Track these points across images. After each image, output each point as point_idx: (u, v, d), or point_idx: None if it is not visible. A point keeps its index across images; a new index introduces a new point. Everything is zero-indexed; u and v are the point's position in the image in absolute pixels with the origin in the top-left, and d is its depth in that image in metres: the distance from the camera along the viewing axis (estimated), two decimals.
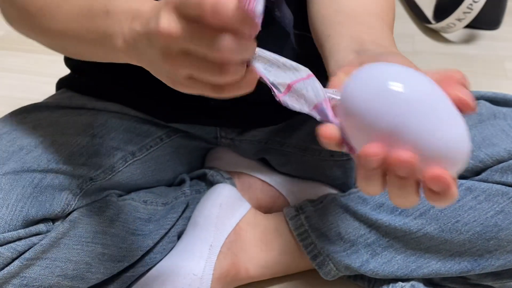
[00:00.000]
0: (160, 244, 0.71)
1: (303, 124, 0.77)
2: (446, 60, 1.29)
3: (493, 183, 0.64)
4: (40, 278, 0.58)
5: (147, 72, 0.70)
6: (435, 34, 1.39)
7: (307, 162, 0.77)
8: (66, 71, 0.79)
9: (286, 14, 0.66)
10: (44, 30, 0.55)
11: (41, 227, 0.58)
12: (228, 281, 0.71)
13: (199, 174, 0.80)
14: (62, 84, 0.78)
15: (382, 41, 0.51)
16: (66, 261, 0.60)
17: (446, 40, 1.37)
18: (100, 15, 0.47)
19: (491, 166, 0.64)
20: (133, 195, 0.70)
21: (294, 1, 0.65)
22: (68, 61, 0.79)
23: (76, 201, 0.62)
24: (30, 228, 0.57)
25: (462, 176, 0.67)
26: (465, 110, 0.35)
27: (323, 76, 0.68)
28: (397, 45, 1.24)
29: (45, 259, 0.58)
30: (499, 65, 1.26)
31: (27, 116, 0.69)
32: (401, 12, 1.50)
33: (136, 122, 0.73)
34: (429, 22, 1.41)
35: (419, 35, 1.40)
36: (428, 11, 1.48)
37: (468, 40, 1.37)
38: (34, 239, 0.57)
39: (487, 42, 1.36)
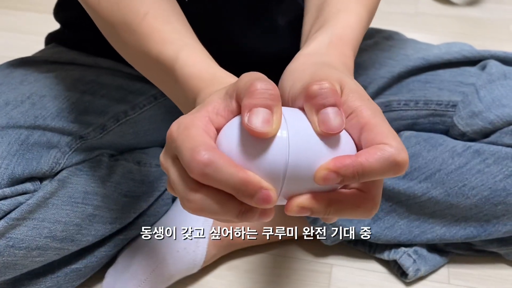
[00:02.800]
0: (154, 206, 0.68)
1: None
2: (449, 23, 1.25)
3: (503, 145, 0.61)
4: (27, 239, 0.55)
5: None
6: None
7: None
8: (52, 28, 0.75)
9: None
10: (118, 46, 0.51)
11: (28, 186, 0.55)
12: (224, 245, 0.68)
13: None
14: (51, 38, 0.74)
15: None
16: (55, 222, 0.57)
17: (450, 3, 1.33)
18: (170, 82, 0.45)
19: (501, 128, 0.62)
20: (126, 155, 0.67)
21: None
22: (58, 15, 0.75)
23: (65, 160, 0.58)
24: (16, 186, 0.54)
25: (470, 139, 0.64)
26: (328, 137, 0.33)
27: None
28: (400, 7, 1.19)
29: (32, 219, 0.55)
30: (504, 28, 1.23)
31: (13, 71, 0.65)
32: None
33: (129, 79, 0.70)
34: None
35: None
36: None
37: (472, 2, 1.33)
38: (20, 198, 0.54)
39: (492, 5, 1.32)
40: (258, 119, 0.32)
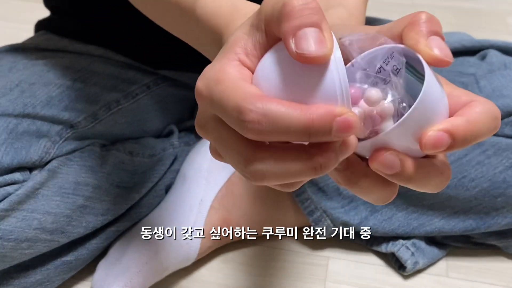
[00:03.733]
0: (147, 198, 0.67)
1: None
2: (446, 14, 1.24)
3: (503, 136, 0.60)
4: (16, 230, 0.53)
5: (134, 14, 0.65)
6: None
7: None
8: (44, 15, 0.74)
9: None
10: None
11: (17, 176, 0.53)
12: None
13: (188, 126, 0.75)
14: (41, 26, 0.72)
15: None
16: (45, 213, 0.55)
17: None
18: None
19: (502, 119, 0.60)
20: (118, 145, 0.65)
21: None
22: (49, 2, 0.73)
23: (55, 149, 0.57)
24: (5, 176, 0.52)
25: None
26: (440, 66, 0.29)
27: None
28: None
29: (21, 210, 0.53)
30: (501, 20, 1.22)
31: (2, 58, 0.63)
32: None
33: (121, 68, 0.68)
34: None
35: None
36: None
37: None
38: (9, 188, 0.53)
39: None
40: (309, 42, 0.26)
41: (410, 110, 0.28)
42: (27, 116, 0.56)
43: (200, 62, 0.69)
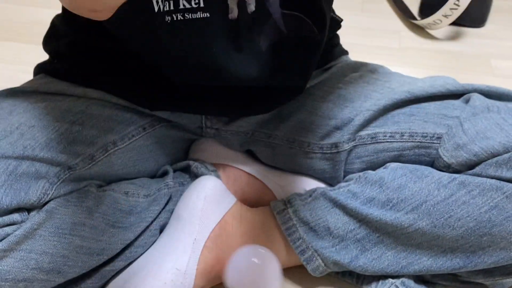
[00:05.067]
0: (142, 237, 0.68)
1: (291, 115, 0.74)
2: (432, 57, 1.28)
3: (488, 177, 0.63)
4: (14, 271, 0.54)
5: (131, 57, 0.67)
6: (421, 31, 1.38)
7: (295, 154, 0.75)
8: (43, 58, 0.76)
9: None
10: None
11: (16, 216, 0.55)
12: (213, 277, 0.68)
13: (182, 166, 0.77)
14: (40, 69, 0.75)
15: None
16: (42, 254, 0.56)
17: (432, 37, 1.36)
18: None
19: (486, 160, 0.63)
20: (113, 185, 0.67)
21: None
22: (47, 46, 0.76)
23: (53, 191, 0.58)
24: (4, 217, 0.54)
25: (455, 170, 0.65)
26: None
27: (309, 58, 0.66)
28: (383, 42, 1.23)
29: (19, 250, 0.55)
30: (485, 62, 1.26)
31: (2, 101, 0.65)
32: (387, 9, 1.49)
33: (118, 110, 0.70)
34: (415, 19, 1.39)
35: (405, 31, 1.38)
36: (414, 8, 1.47)
37: (454, 37, 1.36)
38: (8, 229, 0.54)
39: (473, 40, 1.35)
40: None
41: None
42: (27, 158, 0.58)
43: (195, 103, 0.72)
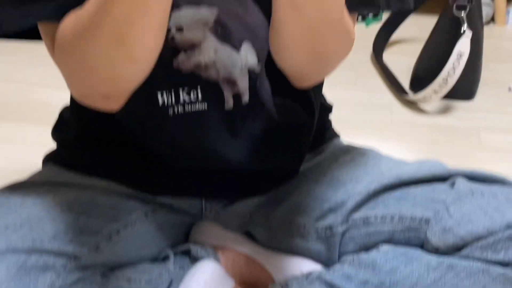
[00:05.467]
0: None
1: (286, 197, 0.78)
2: (423, 131, 1.33)
3: (474, 259, 0.65)
4: None
5: (134, 146, 0.72)
6: (412, 105, 1.43)
7: (291, 236, 0.78)
8: (49, 139, 0.80)
9: (264, 86, 0.69)
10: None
11: None
12: None
13: (183, 249, 0.80)
14: (48, 159, 0.79)
15: None
16: None
17: (423, 111, 1.41)
18: None
19: (471, 243, 0.66)
20: (117, 272, 0.70)
21: (275, 70, 0.67)
22: (55, 135, 0.81)
23: (60, 282, 0.61)
24: None
25: (443, 252, 0.68)
26: None
27: (301, 143, 0.71)
28: (375, 116, 1.28)
29: None
30: (475, 136, 1.30)
31: (13, 194, 0.69)
32: (379, 83, 1.55)
33: (121, 198, 0.74)
34: (406, 93, 1.45)
35: (396, 105, 1.44)
36: (405, 82, 1.53)
37: (444, 110, 1.42)
38: None
39: (462, 113, 1.41)
40: None
41: None
42: (35, 250, 0.61)
43: (195, 187, 0.76)
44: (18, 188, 0.71)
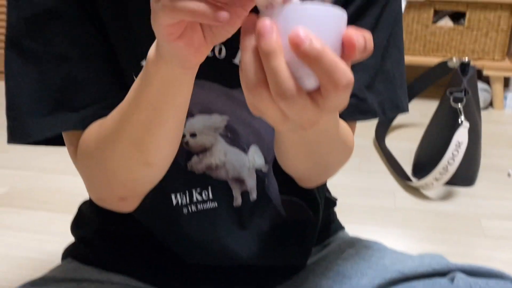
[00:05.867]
0: None
1: None
2: (426, 217, 1.36)
3: None
4: None
5: (150, 242, 0.76)
6: (415, 191, 1.47)
7: None
8: (66, 229, 0.84)
9: (272, 184, 0.74)
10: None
11: None
12: None
13: None
14: (67, 253, 0.83)
15: None
16: None
17: (425, 197, 1.45)
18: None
19: None
20: None
21: (282, 170, 0.72)
22: (74, 231, 0.85)
23: None
24: None
25: None
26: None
27: (307, 238, 0.75)
28: (379, 201, 1.31)
29: None
30: (476, 222, 1.33)
31: None
32: (383, 169, 1.60)
33: None
34: (409, 180, 1.50)
35: (400, 191, 1.48)
36: (408, 166, 1.57)
37: (445, 197, 1.46)
38: None
39: (463, 199, 1.44)
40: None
41: None
42: None
43: (207, 282, 0.79)
44: (40, 284, 0.74)
